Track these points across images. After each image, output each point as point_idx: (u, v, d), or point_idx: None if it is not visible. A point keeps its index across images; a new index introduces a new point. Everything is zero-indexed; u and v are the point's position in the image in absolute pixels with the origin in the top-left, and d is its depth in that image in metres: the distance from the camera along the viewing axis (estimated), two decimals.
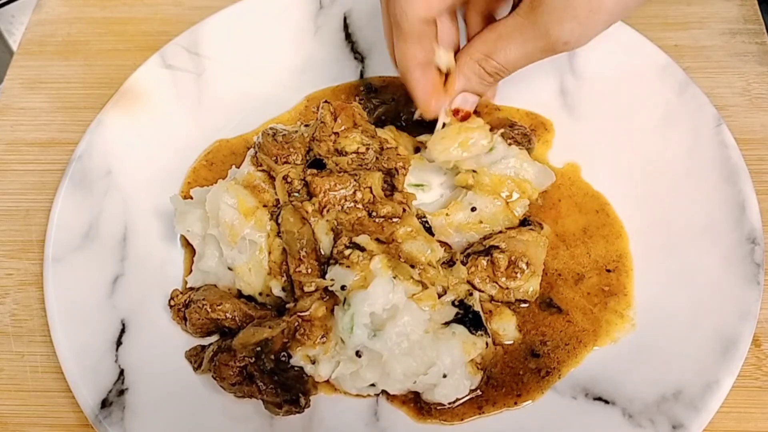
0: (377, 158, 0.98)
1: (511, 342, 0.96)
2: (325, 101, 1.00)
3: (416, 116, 1.00)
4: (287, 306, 0.92)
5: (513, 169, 1.00)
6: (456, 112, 0.95)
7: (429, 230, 0.98)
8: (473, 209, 0.99)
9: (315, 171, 0.96)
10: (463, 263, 0.96)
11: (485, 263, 0.96)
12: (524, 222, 1.01)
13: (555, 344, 0.95)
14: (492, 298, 0.97)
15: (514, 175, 1.00)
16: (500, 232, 0.98)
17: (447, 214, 1.00)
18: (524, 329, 0.97)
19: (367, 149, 0.98)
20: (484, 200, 1.00)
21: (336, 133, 0.99)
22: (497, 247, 0.95)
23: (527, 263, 0.95)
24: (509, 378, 0.93)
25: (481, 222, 1.00)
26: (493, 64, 0.88)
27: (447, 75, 0.94)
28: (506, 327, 0.95)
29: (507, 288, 0.96)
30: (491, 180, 0.99)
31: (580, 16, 0.79)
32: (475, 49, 0.89)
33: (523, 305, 0.98)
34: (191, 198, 1.01)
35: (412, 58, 0.90)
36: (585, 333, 0.95)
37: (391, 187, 0.98)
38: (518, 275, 0.95)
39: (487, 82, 0.92)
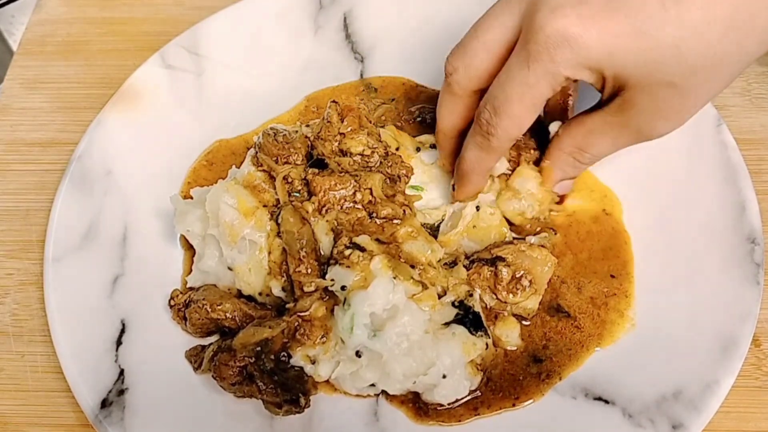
0: (381, 162, 0.98)
1: (514, 348, 0.95)
2: (333, 101, 1.01)
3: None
4: (287, 306, 0.92)
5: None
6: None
7: (434, 236, 0.98)
8: (477, 208, 0.99)
9: (316, 170, 0.96)
10: (467, 268, 0.96)
11: (488, 273, 0.95)
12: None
13: (558, 348, 0.95)
14: (488, 308, 0.97)
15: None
16: (510, 242, 0.98)
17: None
18: (529, 337, 0.96)
19: (373, 152, 0.98)
20: (488, 209, 1.00)
21: (342, 134, 0.99)
22: (503, 259, 0.95)
23: (530, 281, 0.95)
24: (508, 383, 0.92)
25: (474, 226, 0.99)
26: (587, 157, 0.94)
27: None
28: (509, 334, 0.95)
29: (505, 302, 0.95)
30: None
31: (670, 116, 0.84)
32: (567, 144, 0.94)
33: (523, 323, 0.97)
34: (191, 198, 1.01)
35: (486, 167, 0.95)
36: (591, 338, 0.95)
37: (392, 191, 0.98)
38: (519, 292, 0.95)
39: (581, 170, 0.98)
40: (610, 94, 0.85)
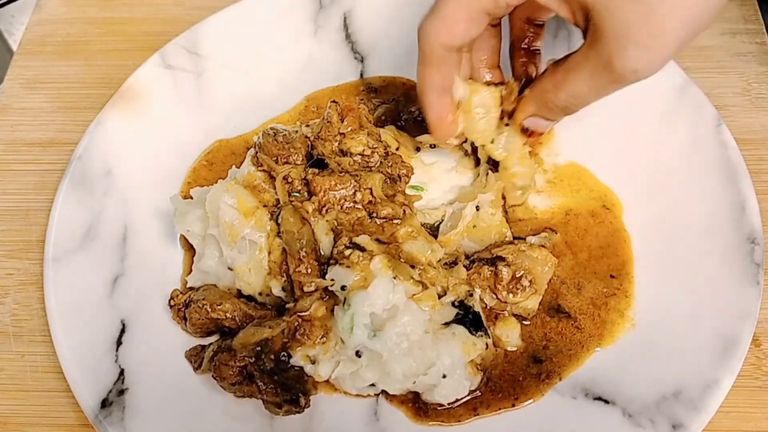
0: (381, 162, 0.98)
1: (514, 349, 0.95)
2: (333, 101, 1.01)
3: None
4: (287, 306, 0.92)
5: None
6: (525, 130, 0.95)
7: (434, 236, 0.98)
8: (477, 208, 0.99)
9: (316, 170, 0.96)
10: (467, 268, 0.96)
11: (488, 273, 0.95)
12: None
13: (558, 349, 0.95)
14: (488, 307, 0.97)
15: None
16: (510, 242, 0.98)
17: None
18: (529, 337, 0.96)
19: (373, 152, 0.98)
20: (488, 209, 0.99)
21: (342, 134, 0.99)
22: (503, 259, 0.95)
23: (531, 281, 0.95)
24: (508, 383, 0.92)
25: (474, 226, 0.99)
26: (562, 96, 0.87)
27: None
28: (510, 334, 0.95)
29: (505, 302, 0.95)
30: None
31: (642, 42, 0.76)
32: (545, 79, 0.89)
33: (524, 323, 0.97)
34: (191, 198, 1.01)
35: (429, 82, 0.91)
36: (591, 338, 0.95)
37: (392, 191, 0.98)
38: (519, 292, 0.95)
39: (556, 113, 0.91)
40: (583, 24, 0.80)
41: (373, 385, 0.90)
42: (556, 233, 1.02)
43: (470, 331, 0.90)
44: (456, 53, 0.90)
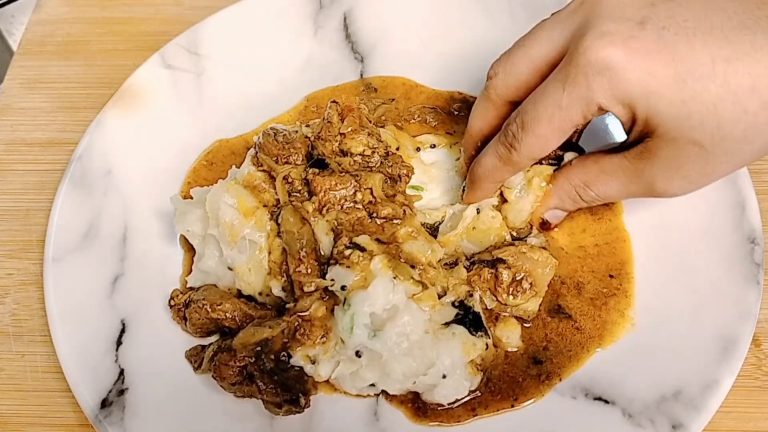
0: (382, 162, 0.98)
1: (515, 350, 0.95)
2: (333, 101, 1.00)
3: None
4: (287, 306, 0.92)
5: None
6: (544, 223, 0.99)
7: (434, 236, 0.98)
8: (478, 210, 0.99)
9: (317, 170, 0.96)
10: (467, 269, 0.96)
11: (489, 275, 0.95)
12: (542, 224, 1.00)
13: (558, 350, 0.94)
14: (488, 309, 0.96)
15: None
16: (511, 244, 0.98)
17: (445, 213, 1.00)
18: (530, 338, 0.95)
19: (373, 152, 0.98)
20: (489, 212, 0.99)
21: (342, 134, 0.99)
22: (504, 261, 0.94)
23: (531, 283, 0.95)
24: (507, 385, 0.92)
25: (474, 228, 0.99)
26: (590, 194, 0.91)
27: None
28: (510, 335, 0.95)
29: (505, 304, 0.95)
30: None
31: (689, 177, 0.81)
32: (575, 175, 0.92)
33: (524, 324, 0.97)
34: (191, 198, 1.01)
35: (499, 178, 0.94)
36: (591, 339, 0.95)
37: (393, 191, 0.98)
38: (519, 294, 0.95)
39: (579, 206, 0.95)
40: (636, 138, 0.83)
41: (373, 385, 0.90)
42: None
43: (470, 332, 0.90)
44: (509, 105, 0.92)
